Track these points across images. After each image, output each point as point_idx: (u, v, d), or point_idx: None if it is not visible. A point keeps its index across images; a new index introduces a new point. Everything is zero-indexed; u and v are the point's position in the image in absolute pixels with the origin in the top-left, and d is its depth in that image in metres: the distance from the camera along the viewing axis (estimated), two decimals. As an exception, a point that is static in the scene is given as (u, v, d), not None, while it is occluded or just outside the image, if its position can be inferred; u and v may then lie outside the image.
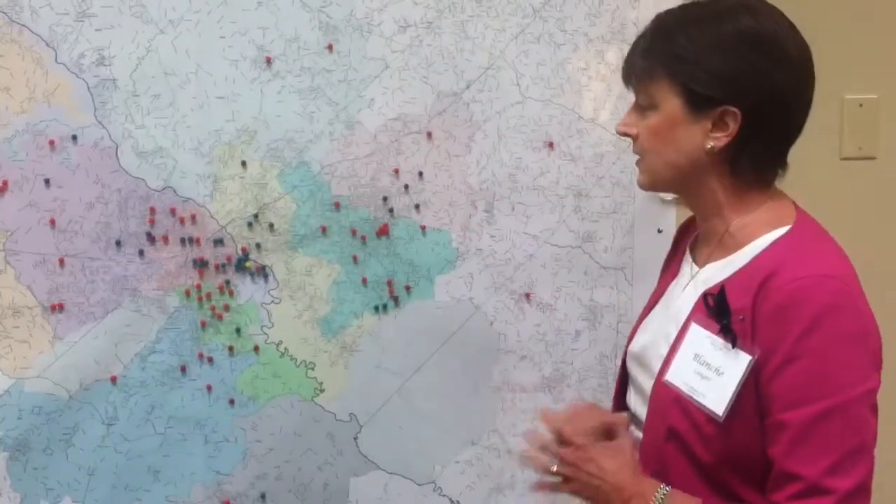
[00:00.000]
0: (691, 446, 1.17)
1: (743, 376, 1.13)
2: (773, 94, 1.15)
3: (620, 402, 1.37)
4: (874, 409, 1.12)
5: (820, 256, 1.15)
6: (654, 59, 1.19)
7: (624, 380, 1.36)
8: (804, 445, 1.09)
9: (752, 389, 1.13)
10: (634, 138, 1.23)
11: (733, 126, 1.15)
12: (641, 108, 1.22)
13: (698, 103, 1.16)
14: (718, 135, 1.16)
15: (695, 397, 1.17)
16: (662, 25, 1.20)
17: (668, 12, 1.22)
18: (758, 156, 1.18)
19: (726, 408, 1.13)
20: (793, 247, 1.16)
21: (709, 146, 1.17)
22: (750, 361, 1.12)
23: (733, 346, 1.14)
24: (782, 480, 1.11)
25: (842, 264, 1.16)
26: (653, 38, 1.20)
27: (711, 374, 1.16)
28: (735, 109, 1.14)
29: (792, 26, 1.18)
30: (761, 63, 1.14)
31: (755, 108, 1.15)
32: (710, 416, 1.15)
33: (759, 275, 1.13)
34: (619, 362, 1.42)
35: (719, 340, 1.16)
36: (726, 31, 1.15)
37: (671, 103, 1.18)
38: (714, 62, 1.15)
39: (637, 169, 1.26)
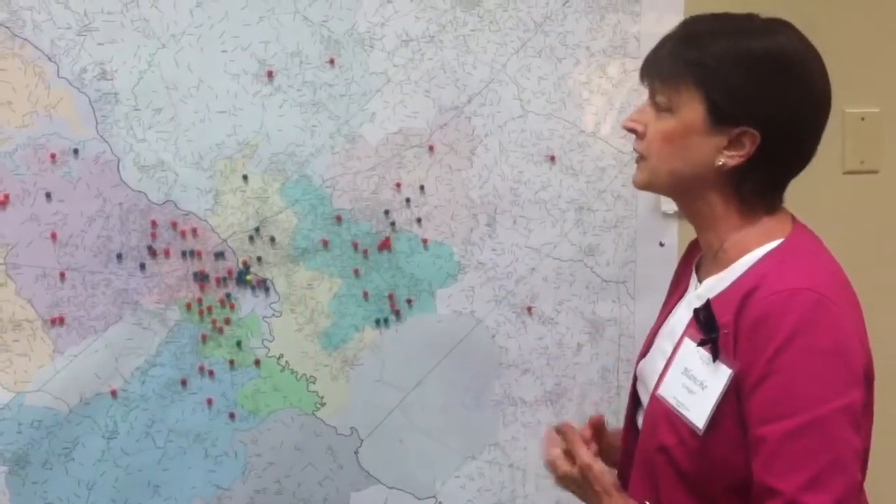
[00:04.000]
0: (677, 460, 1.17)
1: (723, 390, 1.12)
2: (794, 122, 1.14)
3: (632, 424, 1.36)
4: (855, 424, 1.09)
5: (801, 270, 1.13)
6: (683, 63, 1.16)
7: (634, 400, 1.36)
8: (780, 460, 1.08)
9: (733, 403, 1.13)
10: (640, 136, 1.20)
11: (750, 147, 1.14)
12: (657, 108, 1.19)
13: (720, 118, 1.14)
14: (732, 153, 1.15)
15: (681, 411, 1.17)
16: (696, 31, 1.18)
17: (702, 19, 1.20)
18: (764, 180, 1.17)
19: (706, 421, 1.13)
20: (778, 261, 1.15)
21: (719, 163, 1.15)
22: (730, 375, 1.12)
23: (714, 360, 1.14)
24: (762, 495, 1.10)
25: (823, 277, 1.14)
26: (684, 41, 1.17)
27: (697, 387, 1.16)
28: (755, 132, 1.13)
29: (818, 57, 1.17)
30: (788, 89, 1.13)
31: (774, 133, 1.13)
32: (693, 430, 1.15)
33: (742, 290, 1.13)
34: (628, 380, 1.42)
35: (705, 354, 1.16)
36: (760, 49, 1.13)
37: (692, 111, 1.15)
38: (743, 80, 1.13)
39: (636, 166, 1.23)
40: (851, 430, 1.08)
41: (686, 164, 1.17)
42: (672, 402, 1.18)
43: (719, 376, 1.13)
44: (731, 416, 1.13)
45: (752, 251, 1.18)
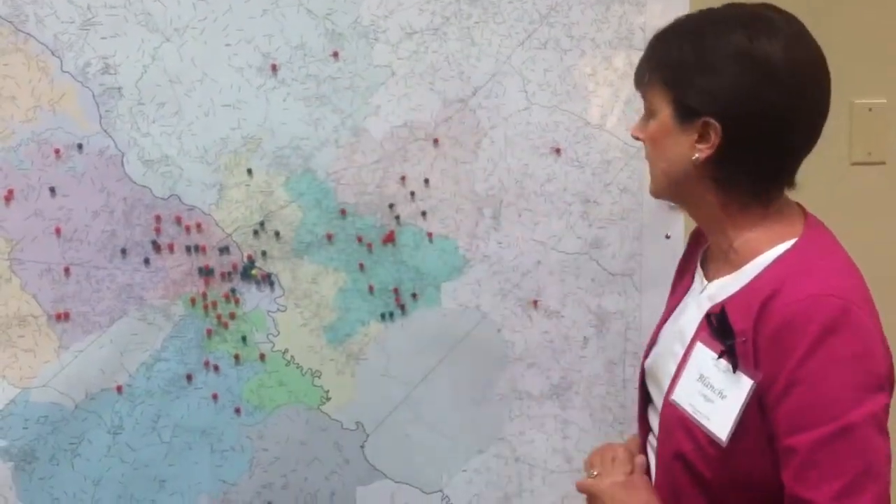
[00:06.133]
0: (696, 467, 1.16)
1: (745, 401, 1.11)
2: (758, 111, 1.13)
3: (643, 419, 1.36)
4: (882, 430, 1.09)
5: (821, 274, 1.12)
6: (653, 66, 1.20)
7: (643, 395, 1.35)
8: (812, 470, 1.07)
9: (756, 413, 1.11)
10: (644, 143, 1.25)
11: (715, 139, 1.14)
12: (646, 115, 1.23)
13: (684, 114, 1.16)
14: (702, 146, 1.16)
15: (699, 419, 1.15)
16: (668, 33, 1.21)
17: (685, 17, 1.22)
18: (745, 171, 1.16)
19: (729, 432, 1.12)
20: (794, 264, 1.14)
21: (694, 157, 1.17)
22: (752, 386, 1.11)
23: (734, 370, 1.12)
24: None
25: (844, 280, 1.13)
26: (656, 45, 1.22)
27: (715, 396, 1.14)
28: (716, 122, 1.14)
29: (799, 40, 1.15)
30: (747, 80, 1.13)
31: (738, 123, 1.13)
32: (713, 439, 1.14)
33: (760, 295, 1.11)
34: (636, 376, 1.41)
35: (722, 363, 1.14)
36: (719, 45, 1.14)
37: (664, 112, 1.19)
38: (701, 75, 1.15)
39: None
40: (880, 435, 1.08)
41: (670, 164, 1.20)
42: (688, 409, 1.17)
43: (741, 387, 1.12)
44: (755, 427, 1.12)
45: (763, 253, 1.16)
